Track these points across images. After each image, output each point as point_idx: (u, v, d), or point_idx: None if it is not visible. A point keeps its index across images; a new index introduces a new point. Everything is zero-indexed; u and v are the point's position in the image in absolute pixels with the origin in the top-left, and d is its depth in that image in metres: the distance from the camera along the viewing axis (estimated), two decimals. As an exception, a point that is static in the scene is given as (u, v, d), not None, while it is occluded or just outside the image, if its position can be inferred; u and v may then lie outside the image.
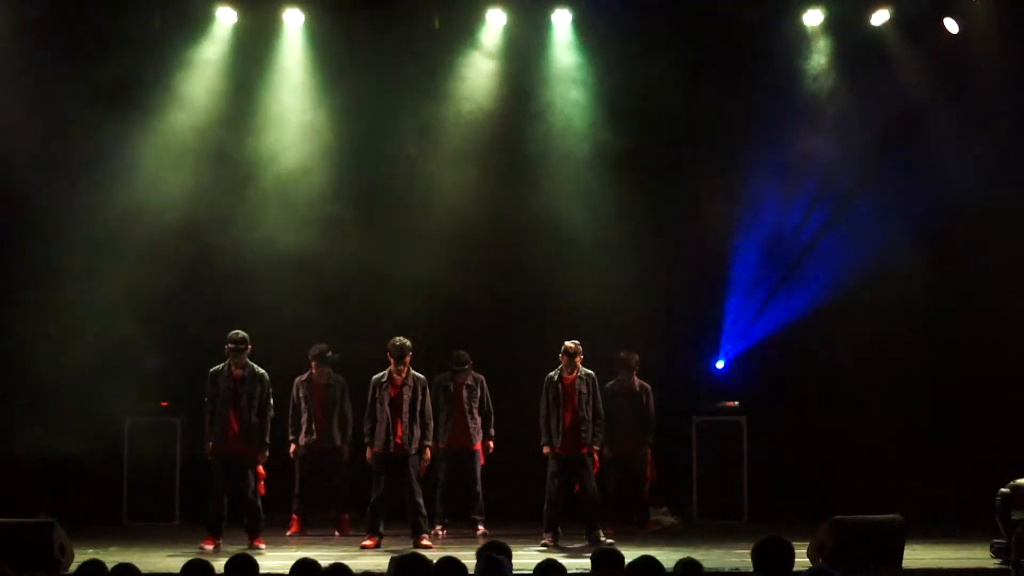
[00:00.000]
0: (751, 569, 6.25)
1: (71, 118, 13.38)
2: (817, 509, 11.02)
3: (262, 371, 12.00)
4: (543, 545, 11.93)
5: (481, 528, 12.95)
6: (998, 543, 10.46)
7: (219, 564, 6.62)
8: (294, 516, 13.22)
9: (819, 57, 14.46)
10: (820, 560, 9.56)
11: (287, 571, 6.45)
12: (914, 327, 14.44)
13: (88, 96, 13.19)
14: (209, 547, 11.58)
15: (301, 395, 13.17)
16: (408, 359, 12.01)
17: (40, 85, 13.53)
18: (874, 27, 14.34)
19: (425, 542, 11.79)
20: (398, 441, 11.96)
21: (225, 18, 14.15)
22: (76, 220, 13.69)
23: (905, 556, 9.94)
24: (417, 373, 12.13)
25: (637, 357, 13.59)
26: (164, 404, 13.93)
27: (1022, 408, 13.89)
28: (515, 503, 13.58)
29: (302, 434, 13.12)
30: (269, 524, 12.25)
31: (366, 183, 14.43)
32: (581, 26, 14.43)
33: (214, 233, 13.97)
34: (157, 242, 13.87)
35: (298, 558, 6.51)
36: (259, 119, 14.27)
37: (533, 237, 14.59)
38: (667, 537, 12.83)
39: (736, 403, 14.36)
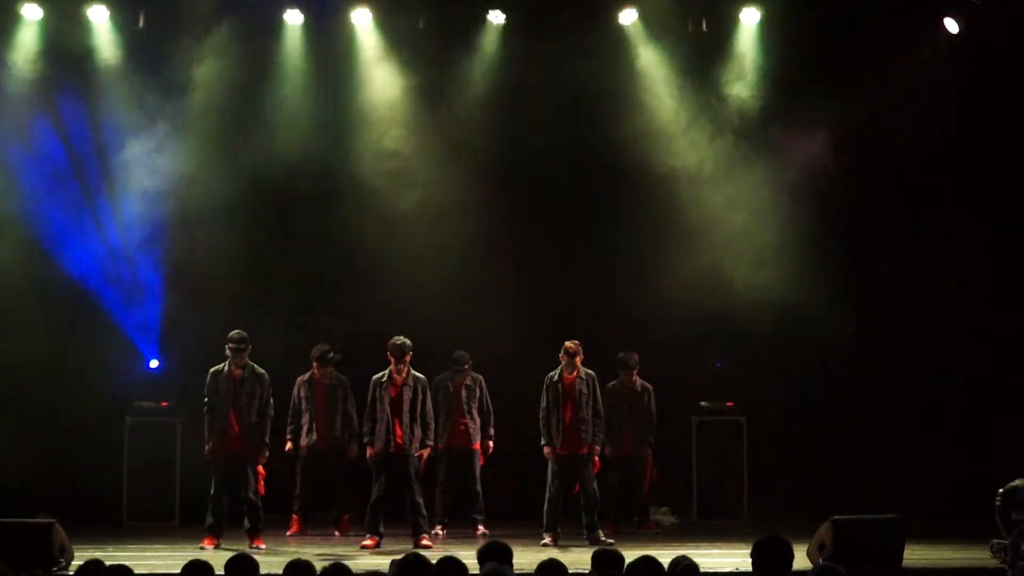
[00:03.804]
0: (751, 569, 6.26)
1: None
2: (817, 509, 11.02)
3: (262, 371, 11.99)
4: (543, 545, 11.94)
5: (481, 528, 12.95)
6: (998, 543, 10.46)
7: (219, 564, 6.62)
8: (294, 516, 13.21)
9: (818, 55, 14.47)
10: (820, 560, 9.56)
11: (286, 571, 6.45)
12: (914, 326, 14.44)
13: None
14: (209, 547, 11.58)
15: (302, 395, 13.16)
16: (408, 358, 12.00)
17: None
18: (873, 27, 14.34)
19: (425, 542, 11.79)
20: (398, 441, 11.95)
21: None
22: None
23: (905, 556, 9.95)
24: (417, 373, 12.12)
25: (637, 357, 13.57)
26: (164, 404, 13.93)
27: (1022, 408, 13.90)
28: (515, 503, 13.59)
29: (303, 435, 13.11)
30: (269, 524, 12.25)
31: (362, 182, 14.42)
32: (578, 26, 14.43)
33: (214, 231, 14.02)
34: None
35: (292, 558, 6.50)
36: (262, 118, 14.26)
37: (533, 237, 14.59)
38: (667, 537, 12.84)
39: (736, 403, 14.36)
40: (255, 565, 6.61)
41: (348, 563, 6.52)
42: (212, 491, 11.87)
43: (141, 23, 13.98)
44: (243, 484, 11.83)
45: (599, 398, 12.44)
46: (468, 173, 14.34)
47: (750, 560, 6.22)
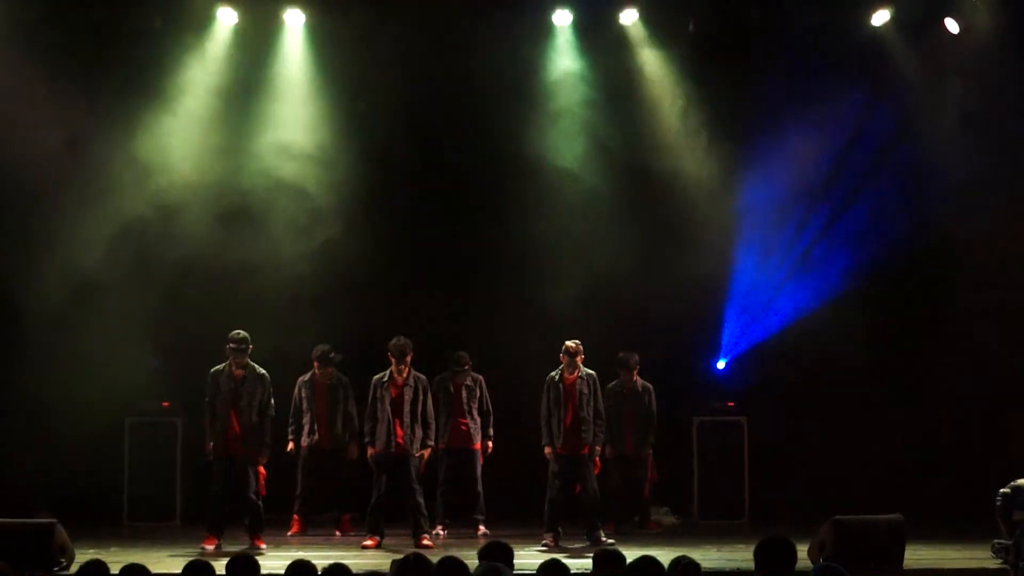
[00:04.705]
0: (752, 569, 6.26)
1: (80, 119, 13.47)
2: (817, 509, 11.02)
3: (263, 371, 11.99)
4: (544, 545, 11.93)
5: (482, 528, 12.95)
6: (999, 543, 10.47)
7: (220, 564, 6.62)
8: (295, 516, 13.21)
9: (819, 58, 14.44)
10: (820, 560, 9.56)
11: (288, 571, 6.44)
12: (914, 326, 14.45)
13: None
14: (210, 547, 11.57)
15: (303, 395, 13.16)
16: (409, 359, 12.01)
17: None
18: (874, 27, 14.34)
19: (426, 542, 11.79)
20: (399, 441, 11.95)
21: (226, 18, 14.15)
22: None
23: (905, 556, 9.95)
24: (418, 373, 12.13)
25: (637, 357, 13.58)
26: (164, 404, 13.93)
27: (1022, 408, 13.89)
28: (515, 503, 13.59)
29: (304, 435, 13.12)
30: (270, 524, 12.24)
31: (361, 181, 14.40)
32: (580, 26, 14.42)
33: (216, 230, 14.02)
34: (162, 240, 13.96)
35: (294, 559, 6.50)
36: (261, 118, 14.26)
37: (533, 236, 14.59)
38: (668, 537, 12.84)
39: (736, 403, 14.37)
40: (256, 566, 6.61)
41: (349, 563, 6.53)
42: (212, 491, 11.87)
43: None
44: (244, 484, 11.81)
45: (600, 398, 12.42)
46: (468, 173, 14.34)
47: (751, 560, 6.21)
